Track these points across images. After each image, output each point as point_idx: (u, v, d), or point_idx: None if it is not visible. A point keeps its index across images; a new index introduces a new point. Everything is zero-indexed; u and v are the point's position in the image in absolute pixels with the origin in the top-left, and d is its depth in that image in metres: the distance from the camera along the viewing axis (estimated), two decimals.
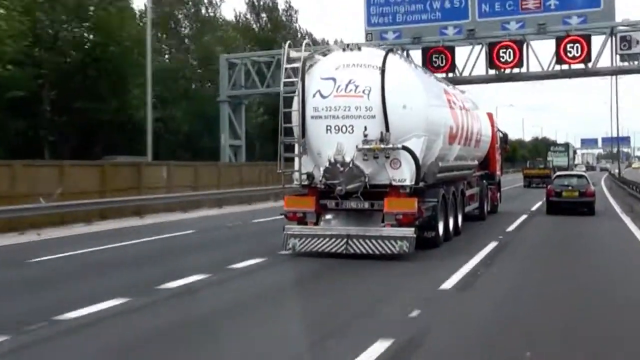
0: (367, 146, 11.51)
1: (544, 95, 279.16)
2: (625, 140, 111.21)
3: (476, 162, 18.46)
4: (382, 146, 11.50)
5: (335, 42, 12.53)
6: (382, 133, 11.52)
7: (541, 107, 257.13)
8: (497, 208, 22.48)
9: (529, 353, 6.34)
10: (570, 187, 21.85)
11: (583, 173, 26.77)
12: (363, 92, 11.64)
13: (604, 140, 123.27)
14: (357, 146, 11.52)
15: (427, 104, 12.48)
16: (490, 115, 21.82)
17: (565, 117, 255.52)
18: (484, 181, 20.46)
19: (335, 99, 11.75)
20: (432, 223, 12.98)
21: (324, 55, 12.61)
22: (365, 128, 11.53)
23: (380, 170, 11.84)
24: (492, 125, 21.59)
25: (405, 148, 11.62)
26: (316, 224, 12.37)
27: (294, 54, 12.30)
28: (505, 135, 24.44)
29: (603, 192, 33.50)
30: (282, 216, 12.62)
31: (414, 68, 12.98)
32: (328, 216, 12.62)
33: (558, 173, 25.44)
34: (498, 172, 22.65)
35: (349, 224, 12.28)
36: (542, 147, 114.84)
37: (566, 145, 62.84)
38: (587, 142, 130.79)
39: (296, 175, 12.27)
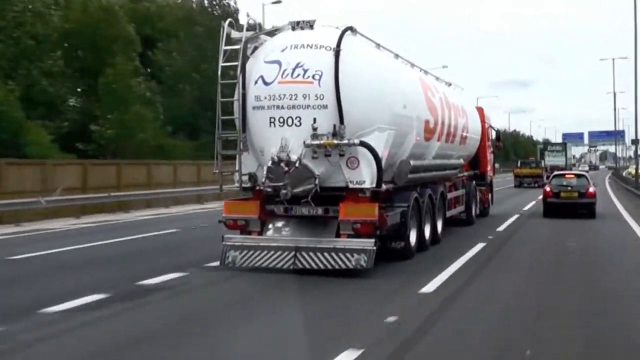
0: (316, 142, 9.65)
1: (525, 99, 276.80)
2: (618, 134, 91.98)
3: (461, 161, 16.59)
4: (335, 142, 9.64)
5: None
6: (335, 126, 9.67)
7: (519, 109, 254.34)
8: (488, 211, 20.61)
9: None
10: (569, 188, 19.98)
11: (583, 172, 24.45)
12: (313, 77, 9.78)
13: (592, 135, 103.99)
14: (304, 142, 9.68)
15: (392, 92, 10.64)
16: (480, 110, 19.99)
17: (548, 119, 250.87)
18: (473, 182, 18.64)
19: (279, 85, 9.90)
20: (401, 231, 11.13)
21: (271, 35, 10.76)
22: (315, 120, 9.67)
23: (335, 170, 9.99)
24: (483, 121, 19.76)
25: (363, 144, 9.77)
26: (261, 233, 10.55)
27: (235, 34, 10.47)
28: (498, 133, 22.54)
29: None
30: (221, 224, 10.78)
31: (378, 50, 11.12)
32: (278, 224, 10.78)
33: (556, 172, 23.24)
34: (489, 173, 20.76)
35: (301, 234, 10.45)
36: (508, 141, 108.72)
37: (564, 145, 60.40)
38: (570, 137, 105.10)
39: (237, 176, 10.44)
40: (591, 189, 19.85)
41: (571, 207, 19.53)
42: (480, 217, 19.14)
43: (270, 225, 10.72)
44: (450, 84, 17.64)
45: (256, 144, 10.18)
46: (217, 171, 10.50)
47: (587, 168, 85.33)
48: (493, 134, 21.76)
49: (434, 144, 13.59)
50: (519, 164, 45.95)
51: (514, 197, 31.82)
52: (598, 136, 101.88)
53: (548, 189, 20.33)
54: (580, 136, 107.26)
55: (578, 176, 21.44)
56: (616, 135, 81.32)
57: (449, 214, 14.83)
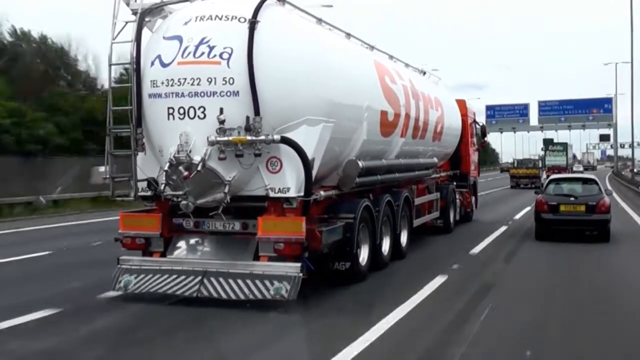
0: (223, 138, 7.54)
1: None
2: (598, 103, 62.19)
3: (435, 160, 14.45)
4: (248, 138, 7.54)
5: None
6: (248, 118, 7.57)
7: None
8: (472, 216, 18.44)
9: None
10: (572, 198, 14.18)
11: (591, 176, 16.95)
12: (220, 56, 7.65)
13: (543, 107, 64.68)
14: (208, 138, 7.57)
15: (329, 76, 8.51)
16: (461, 103, 17.84)
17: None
18: (453, 184, 16.54)
19: (179, 67, 7.77)
20: (345, 250, 9.01)
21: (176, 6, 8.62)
22: (222, 111, 7.56)
23: (252, 174, 7.89)
24: (465, 115, 17.68)
25: (286, 141, 7.66)
26: (164, 254, 8.44)
27: (133, 4, 8.37)
28: (482, 128, 20.38)
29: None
30: (118, 242, 8.65)
31: (318, 26, 9.01)
32: (191, 241, 8.68)
33: (554, 176, 17.21)
34: (473, 173, 18.62)
35: (216, 255, 8.37)
36: None
37: (565, 145, 57.55)
38: (500, 113, 66.62)
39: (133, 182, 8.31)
40: (605, 200, 14.13)
41: (575, 225, 14.04)
42: (461, 223, 17.03)
43: (181, 244, 8.62)
44: (424, 72, 15.56)
45: (154, 142, 8.06)
46: (107, 176, 8.36)
47: (581, 169, 77.36)
48: (478, 130, 19.68)
49: (397, 140, 11.49)
50: (515, 164, 44.05)
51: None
52: (561, 109, 64.02)
53: (542, 200, 14.31)
54: (522, 111, 66.49)
55: (584, 181, 15.39)
56: (594, 104, 60.61)
57: (417, 222, 12.68)
